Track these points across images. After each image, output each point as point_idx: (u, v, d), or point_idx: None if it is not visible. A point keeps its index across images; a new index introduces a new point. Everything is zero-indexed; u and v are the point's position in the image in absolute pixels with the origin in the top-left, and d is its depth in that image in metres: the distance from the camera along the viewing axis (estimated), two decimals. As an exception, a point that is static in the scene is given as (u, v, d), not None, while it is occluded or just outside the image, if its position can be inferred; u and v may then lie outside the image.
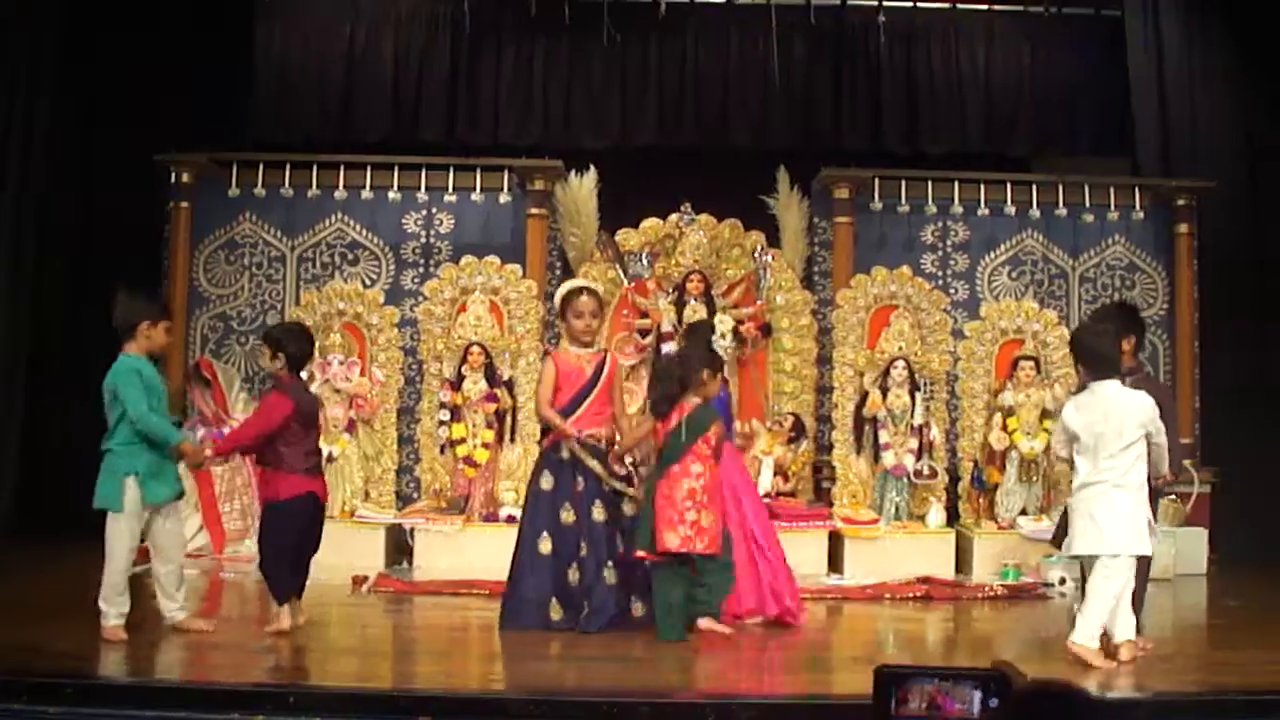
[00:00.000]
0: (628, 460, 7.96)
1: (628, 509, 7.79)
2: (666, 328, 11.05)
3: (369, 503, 10.66)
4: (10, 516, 10.98)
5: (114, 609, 7.20)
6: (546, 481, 7.81)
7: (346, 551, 9.91)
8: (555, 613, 7.62)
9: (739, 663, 7.33)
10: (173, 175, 11.60)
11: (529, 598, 7.64)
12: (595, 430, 7.83)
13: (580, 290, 8.18)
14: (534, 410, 8.71)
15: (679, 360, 8.22)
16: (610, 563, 7.66)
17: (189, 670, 6.72)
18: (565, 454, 7.80)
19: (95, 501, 7.27)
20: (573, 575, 7.66)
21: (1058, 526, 8.01)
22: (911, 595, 9.35)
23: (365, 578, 9.35)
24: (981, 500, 10.71)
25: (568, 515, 7.72)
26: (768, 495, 10.50)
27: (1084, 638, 6.96)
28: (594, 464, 7.77)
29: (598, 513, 7.72)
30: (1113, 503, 7.04)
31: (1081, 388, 7.40)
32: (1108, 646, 7.00)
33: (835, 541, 10.43)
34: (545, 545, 7.68)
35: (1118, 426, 7.11)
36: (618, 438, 7.98)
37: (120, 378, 7.29)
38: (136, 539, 7.34)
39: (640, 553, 7.58)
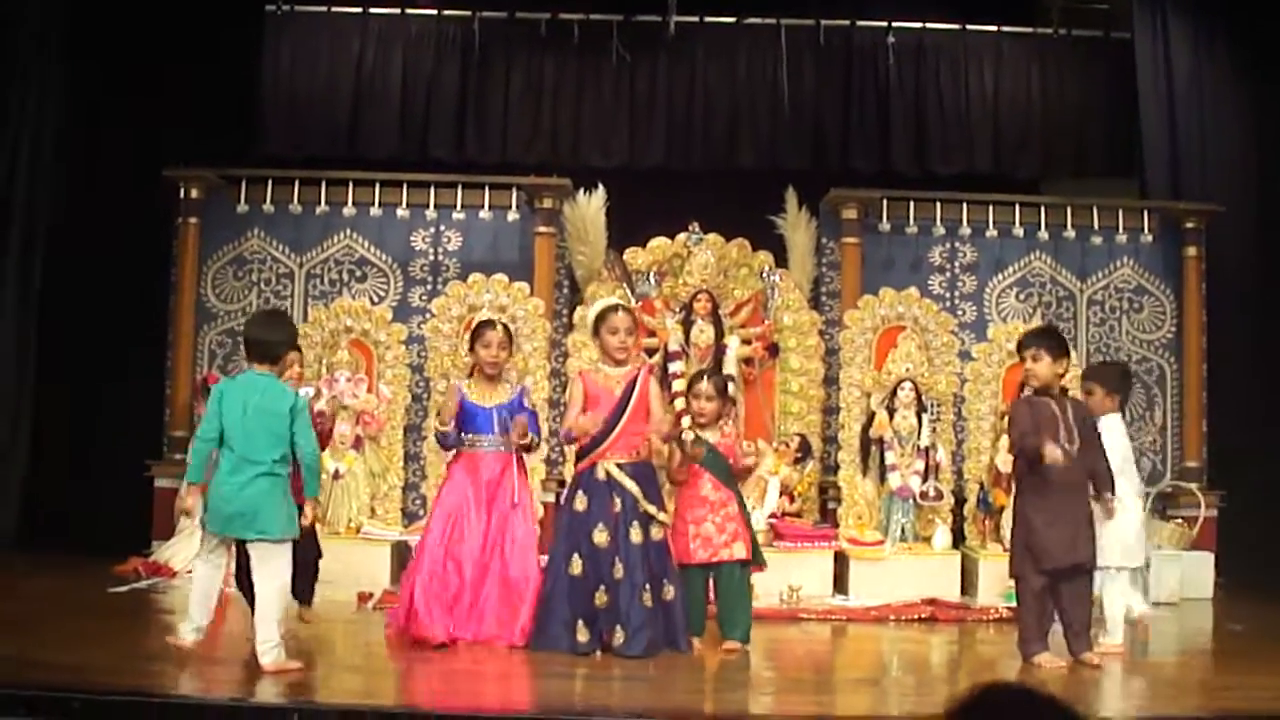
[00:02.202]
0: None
1: (655, 533, 7.76)
2: (674, 347, 11.03)
3: (375, 519, 10.65)
4: (15, 529, 11.00)
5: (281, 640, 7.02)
6: (580, 502, 7.73)
7: (352, 568, 9.91)
8: (581, 635, 7.54)
9: (745, 683, 7.32)
10: (181, 191, 11.60)
11: (558, 619, 7.57)
12: (630, 455, 7.81)
13: (615, 307, 8.10)
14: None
15: None
16: (646, 585, 7.61)
17: (192, 686, 6.70)
18: (601, 474, 7.74)
19: (275, 530, 6.90)
20: (600, 598, 7.58)
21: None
22: (916, 617, 9.34)
23: (370, 594, 9.34)
24: (987, 522, 10.69)
25: (601, 536, 7.62)
26: (773, 515, 10.50)
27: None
28: (631, 485, 7.72)
29: (635, 534, 7.64)
30: None
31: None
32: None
33: (841, 562, 10.41)
34: (576, 567, 7.61)
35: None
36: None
37: (302, 412, 7.06)
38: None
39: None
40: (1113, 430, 8.08)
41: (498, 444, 8.05)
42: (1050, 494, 7.54)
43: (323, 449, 8.46)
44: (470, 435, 8.10)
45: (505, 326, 8.42)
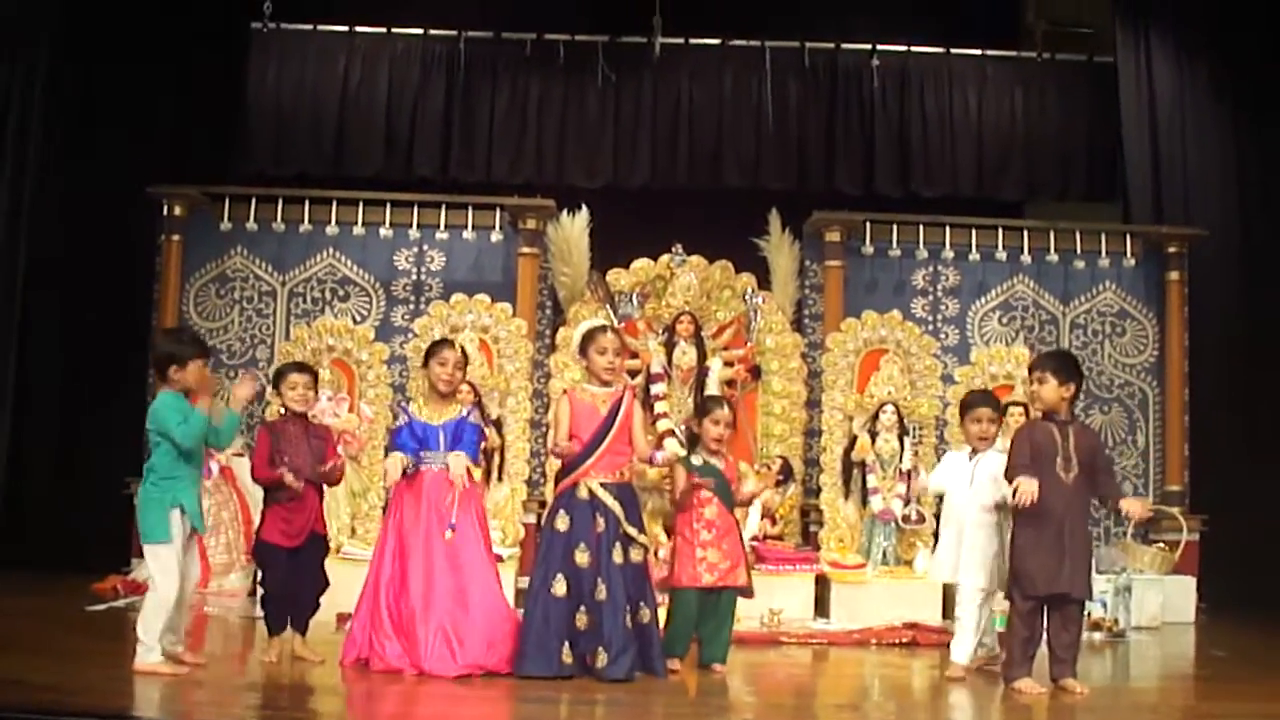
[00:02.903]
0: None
1: (635, 555, 7.72)
2: (656, 369, 11.03)
3: (355, 539, 10.60)
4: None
5: (160, 643, 7.21)
6: (562, 522, 7.63)
7: (332, 588, 9.85)
8: (566, 657, 7.46)
9: (725, 707, 7.28)
10: (164, 208, 11.61)
11: (543, 642, 7.48)
12: (614, 475, 7.76)
13: (604, 328, 8.04)
14: (550, 450, 8.47)
15: None
16: (628, 607, 7.57)
17: (170, 707, 6.66)
18: (584, 494, 7.67)
19: (144, 536, 7.22)
20: (580, 619, 7.51)
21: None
22: (898, 641, 9.32)
23: (350, 615, 9.28)
24: (970, 548, 10.67)
25: (583, 557, 7.53)
26: (755, 538, 10.47)
27: None
28: (614, 505, 7.66)
29: (617, 555, 7.57)
30: None
31: None
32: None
33: (822, 586, 10.38)
34: (559, 587, 7.52)
35: None
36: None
37: (155, 415, 7.32)
38: (181, 569, 7.35)
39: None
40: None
41: (443, 462, 7.82)
42: (1042, 521, 7.49)
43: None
44: (419, 453, 7.90)
45: (463, 348, 8.33)
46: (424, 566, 7.67)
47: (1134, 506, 7.76)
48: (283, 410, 8.11)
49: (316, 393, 8.32)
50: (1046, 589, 7.43)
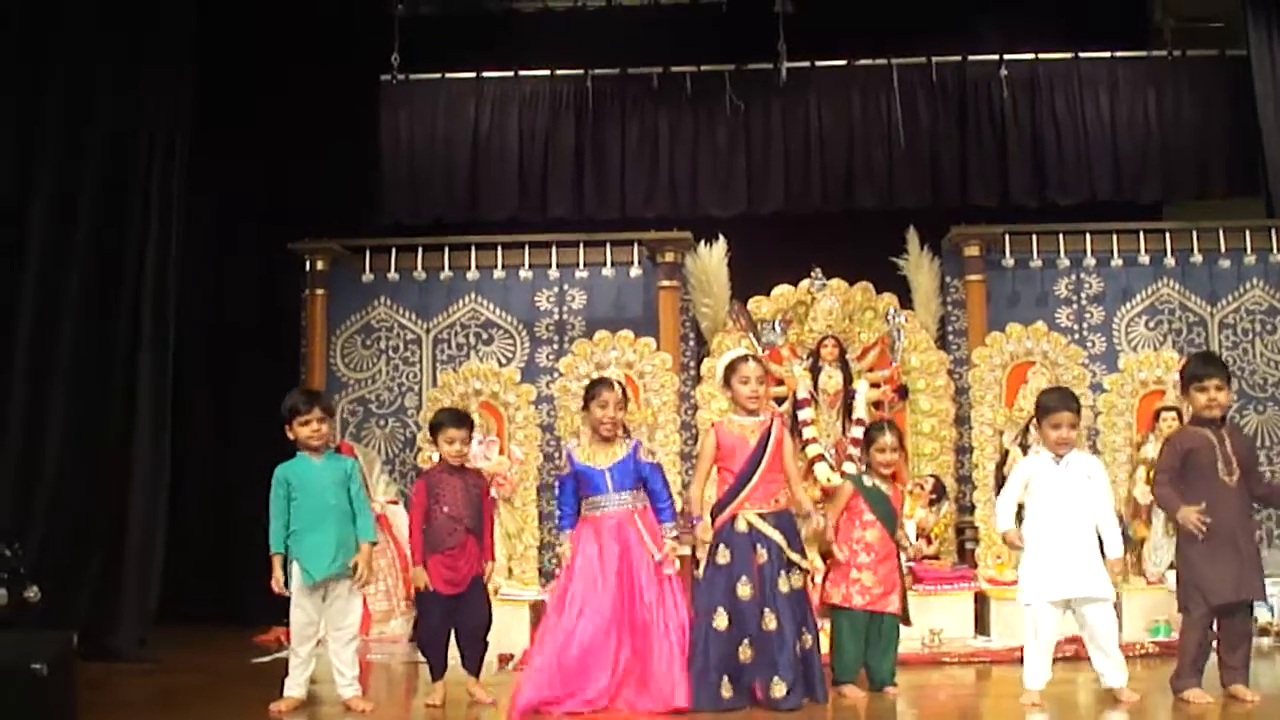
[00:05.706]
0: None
1: (797, 581, 7.69)
2: (802, 394, 11.01)
3: (512, 580, 10.70)
4: (161, 603, 11.16)
5: (289, 680, 7.69)
6: (723, 556, 7.61)
7: (491, 629, 9.95)
8: (726, 691, 7.42)
9: (889, 733, 7.28)
10: (307, 263, 11.83)
11: (704, 677, 7.44)
12: (770, 504, 7.71)
13: (745, 357, 8.02)
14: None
15: None
16: (796, 636, 7.58)
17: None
18: (743, 526, 7.63)
19: None
20: (744, 652, 7.48)
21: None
22: (1060, 656, 9.18)
23: (510, 655, 9.38)
24: (1129, 556, 10.53)
25: (745, 589, 7.50)
26: (911, 559, 10.42)
27: None
28: (775, 534, 7.62)
29: (783, 584, 7.55)
30: None
31: None
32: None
33: (981, 603, 10.33)
34: (721, 621, 7.49)
35: None
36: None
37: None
38: (306, 616, 7.76)
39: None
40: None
41: (617, 504, 7.80)
42: (1213, 528, 7.36)
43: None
44: (588, 498, 7.86)
45: (622, 385, 8.17)
46: (608, 612, 7.60)
47: None
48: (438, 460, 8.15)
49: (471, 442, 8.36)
50: (1235, 595, 7.33)
